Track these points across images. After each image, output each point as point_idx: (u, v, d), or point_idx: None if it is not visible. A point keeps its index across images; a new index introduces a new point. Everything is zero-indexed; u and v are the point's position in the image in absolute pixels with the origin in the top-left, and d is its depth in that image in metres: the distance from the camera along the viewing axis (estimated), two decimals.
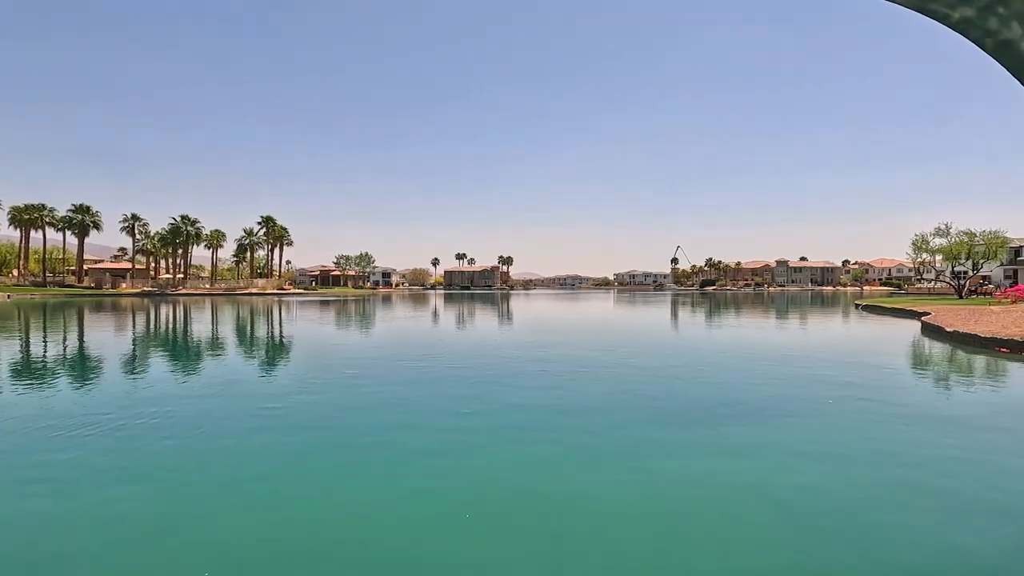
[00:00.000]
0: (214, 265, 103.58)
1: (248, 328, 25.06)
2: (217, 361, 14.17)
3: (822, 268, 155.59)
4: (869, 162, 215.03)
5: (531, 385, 10.33)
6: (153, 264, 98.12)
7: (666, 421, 7.65)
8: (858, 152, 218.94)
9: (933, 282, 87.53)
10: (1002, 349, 13.42)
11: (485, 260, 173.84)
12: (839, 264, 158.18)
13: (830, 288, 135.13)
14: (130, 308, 42.08)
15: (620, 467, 5.73)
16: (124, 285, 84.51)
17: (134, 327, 25.08)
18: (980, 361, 12.67)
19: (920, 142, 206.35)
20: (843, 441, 6.59)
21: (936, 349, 15.19)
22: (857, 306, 39.15)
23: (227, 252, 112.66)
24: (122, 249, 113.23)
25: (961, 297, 40.71)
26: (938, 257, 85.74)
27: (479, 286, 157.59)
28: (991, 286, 49.80)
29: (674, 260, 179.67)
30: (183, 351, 16.19)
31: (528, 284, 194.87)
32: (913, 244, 43.68)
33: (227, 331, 23.26)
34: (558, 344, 17.14)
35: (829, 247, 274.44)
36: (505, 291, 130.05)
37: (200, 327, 25.24)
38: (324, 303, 54.53)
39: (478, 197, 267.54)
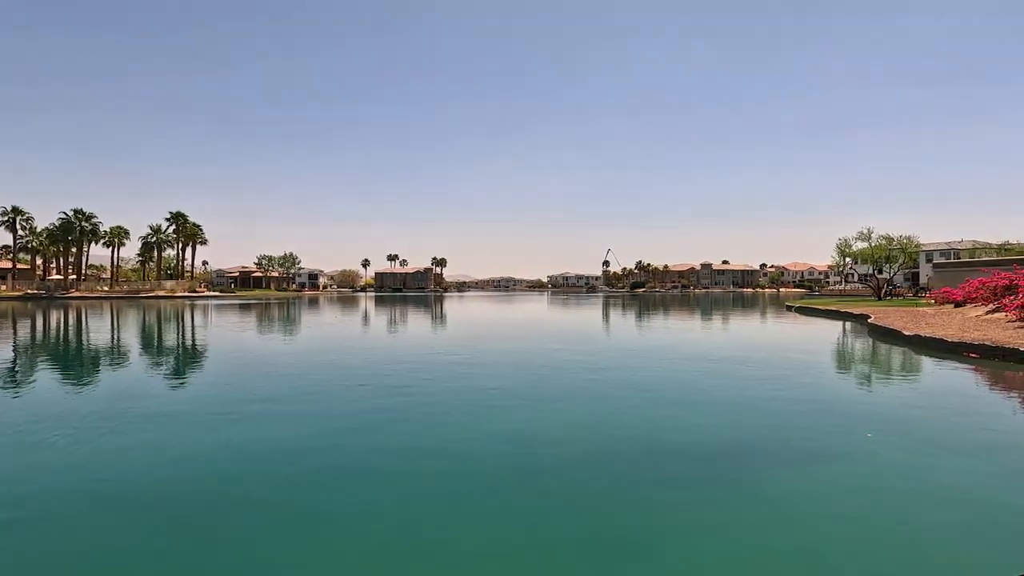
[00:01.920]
0: (114, 265, 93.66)
1: (136, 336, 21.47)
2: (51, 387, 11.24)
3: (742, 271, 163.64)
4: (779, 171, 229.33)
5: (480, 413, 8.35)
6: (41, 264, 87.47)
7: (668, 466, 5.99)
8: (771, 161, 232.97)
9: (844, 283, 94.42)
10: (972, 355, 12.99)
11: (418, 261, 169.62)
12: (757, 267, 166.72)
13: (750, 290, 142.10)
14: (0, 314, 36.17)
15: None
16: (3, 287, 74.44)
17: None
18: (970, 371, 12.06)
19: (823, 153, 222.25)
20: (908, 487, 5.16)
21: (906, 356, 14.41)
22: (789, 308, 40.03)
23: (132, 251, 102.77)
24: (6, 247, 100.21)
25: (880, 298, 42.90)
26: (848, 260, 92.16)
27: (412, 288, 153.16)
28: (903, 287, 53.21)
29: (605, 263, 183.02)
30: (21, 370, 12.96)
31: (462, 286, 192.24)
32: (837, 247, 45.66)
33: (101, 340, 19.70)
34: (508, 352, 15.35)
35: (748, 251, 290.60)
36: (439, 293, 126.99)
37: (76, 336, 21.35)
38: (242, 307, 49.83)
39: (411, 198, 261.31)
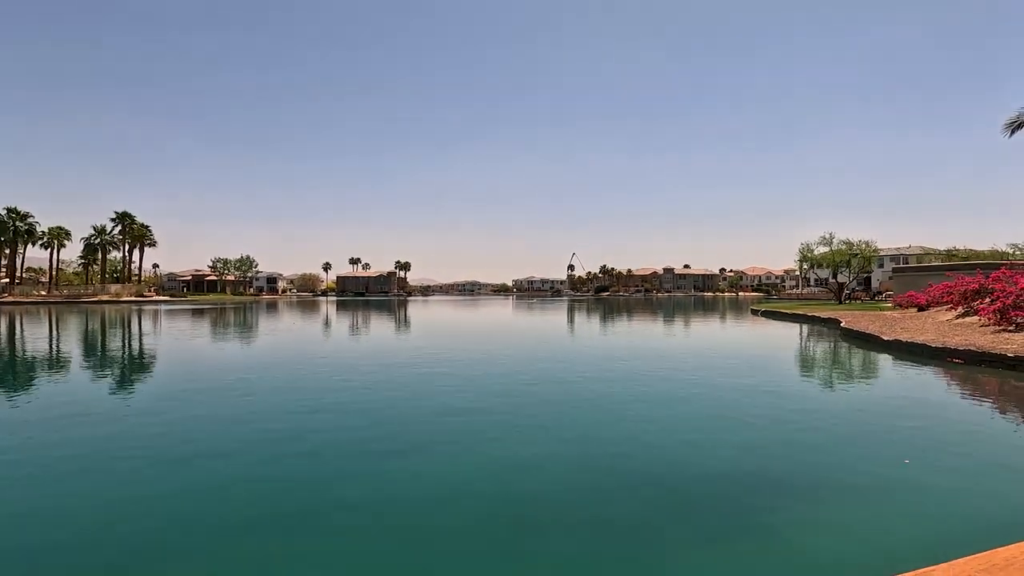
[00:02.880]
0: (53, 268, 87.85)
1: (60, 344, 19.47)
2: None
3: (703, 275, 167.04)
4: (736, 178, 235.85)
5: (443, 440, 7.36)
6: None
7: (671, 511, 5.12)
8: (728, 168, 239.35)
9: (801, 288, 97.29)
10: (956, 360, 12.74)
11: (381, 265, 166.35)
12: (717, 272, 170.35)
13: (710, 294, 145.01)
14: None
15: None
16: None
17: None
18: (964, 379, 11.73)
19: (778, 161, 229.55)
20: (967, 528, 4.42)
21: (891, 364, 13.84)
22: (755, 312, 40.35)
23: (75, 253, 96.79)
24: None
25: (840, 302, 43.84)
26: (806, 265, 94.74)
27: (375, 292, 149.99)
28: (859, 291, 54.76)
29: (570, 267, 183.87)
30: None
31: (426, 290, 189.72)
32: (800, 251, 46.48)
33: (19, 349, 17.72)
34: (478, 362, 14.34)
35: (708, 256, 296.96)
36: (402, 297, 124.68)
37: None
38: (192, 312, 47.10)
39: (374, 201, 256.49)
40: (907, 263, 69.08)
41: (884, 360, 14.21)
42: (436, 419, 8.25)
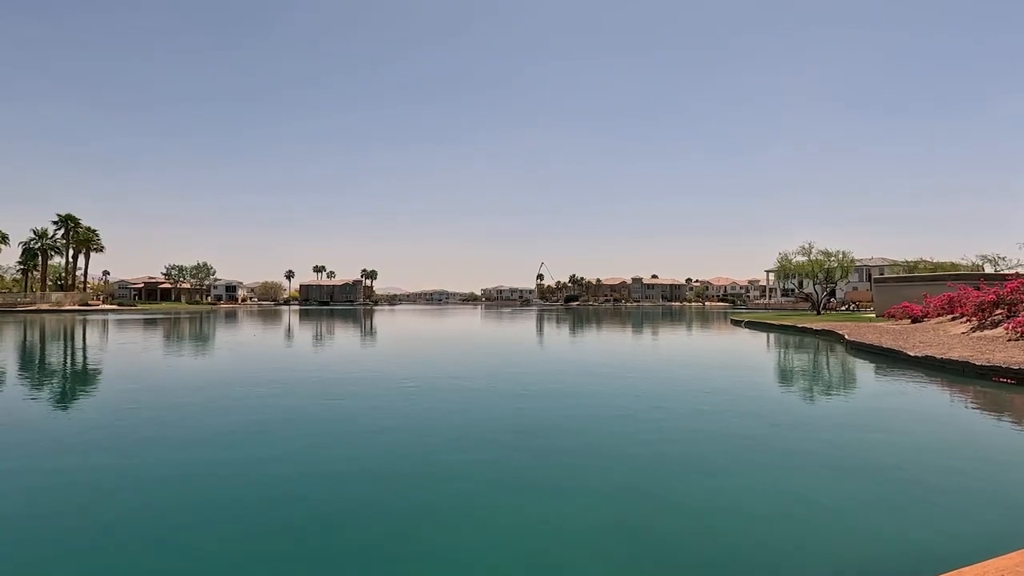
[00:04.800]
0: None
1: None
2: None
3: (671, 285, 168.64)
4: (700, 190, 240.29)
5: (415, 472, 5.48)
6: None
7: None
8: (693, 180, 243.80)
9: (768, 297, 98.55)
10: (1005, 380, 11.46)
11: (347, 273, 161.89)
12: (684, 282, 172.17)
13: (678, 303, 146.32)
14: None
15: None
16: None
17: None
18: None
19: (732, 179, 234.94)
20: None
21: (940, 385, 12.02)
22: (736, 323, 39.42)
23: (13, 258, 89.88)
24: None
25: (818, 312, 43.57)
26: (771, 276, 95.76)
27: (340, 301, 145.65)
28: (833, 301, 54.93)
29: (539, 276, 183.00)
30: None
31: (393, 299, 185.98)
32: (778, 260, 46.05)
33: None
34: (450, 377, 12.37)
35: (675, 266, 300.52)
36: (368, 307, 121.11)
37: None
38: (140, 322, 43.36)
39: (339, 208, 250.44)
40: (882, 274, 70.39)
41: (927, 382, 12.12)
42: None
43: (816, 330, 25.76)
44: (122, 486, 5.75)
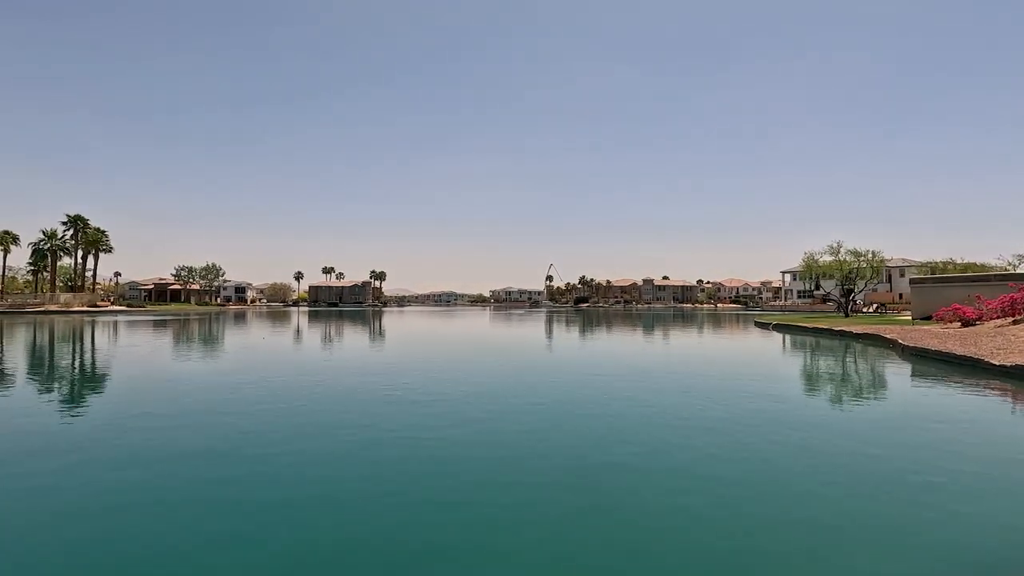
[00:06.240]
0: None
1: None
2: None
3: (682, 287, 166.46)
4: (711, 192, 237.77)
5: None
6: None
7: None
8: (703, 181, 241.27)
9: (784, 299, 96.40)
10: None
11: (356, 275, 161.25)
12: (695, 283, 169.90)
13: (689, 305, 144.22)
14: None
15: None
16: None
17: None
18: None
19: (744, 180, 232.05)
20: None
21: None
22: (764, 326, 37.71)
23: (24, 259, 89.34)
24: None
25: (847, 315, 41.77)
26: (788, 277, 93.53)
27: (348, 302, 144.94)
28: (859, 302, 53.00)
29: (549, 277, 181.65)
30: None
31: (402, 301, 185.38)
32: (804, 261, 44.34)
33: None
34: (467, 383, 11.05)
35: (686, 266, 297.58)
36: (377, 308, 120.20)
37: None
38: (148, 323, 42.40)
39: (349, 210, 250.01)
40: (903, 275, 68.36)
41: None
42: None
43: (858, 334, 24.15)
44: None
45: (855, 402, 10.94)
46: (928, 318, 30.18)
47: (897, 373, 15.14)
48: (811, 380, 14.32)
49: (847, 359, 18.64)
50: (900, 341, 19.09)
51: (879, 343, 21.74)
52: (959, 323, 23.14)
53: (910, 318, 33.35)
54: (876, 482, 5.85)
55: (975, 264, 55.70)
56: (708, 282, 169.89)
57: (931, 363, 15.77)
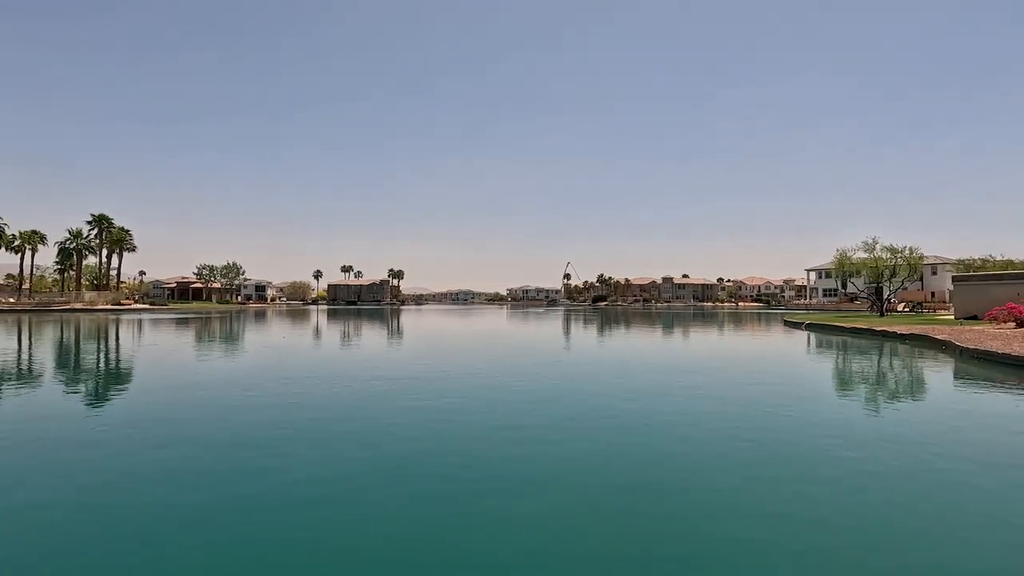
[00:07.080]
0: (24, 273, 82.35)
1: None
2: None
3: (702, 285, 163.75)
4: (733, 190, 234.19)
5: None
6: None
7: None
8: (724, 179, 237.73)
9: (809, 298, 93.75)
10: None
11: (374, 273, 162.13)
12: (715, 281, 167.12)
13: (710, 304, 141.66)
14: None
15: None
16: None
17: None
18: None
19: (766, 178, 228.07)
20: None
21: None
22: (795, 325, 36.20)
23: (51, 259, 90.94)
24: None
25: (882, 314, 40.07)
26: (812, 276, 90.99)
27: (367, 301, 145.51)
28: (893, 301, 51.06)
29: (566, 276, 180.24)
30: None
31: (420, 299, 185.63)
32: (837, 258, 42.69)
33: None
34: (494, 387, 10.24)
35: (706, 264, 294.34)
36: (395, 306, 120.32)
37: None
38: (169, 321, 42.46)
39: (367, 209, 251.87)
40: (935, 273, 65.96)
41: None
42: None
43: (903, 335, 22.75)
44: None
45: (940, 417, 9.40)
46: (973, 317, 28.63)
47: (971, 380, 13.27)
48: (873, 389, 12.40)
49: (903, 364, 16.77)
50: (956, 343, 17.73)
51: (929, 344, 20.28)
52: (1014, 323, 21.73)
53: (952, 317, 31.78)
54: None
55: (1014, 261, 53.30)
56: (729, 280, 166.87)
57: (1005, 368, 14.17)
